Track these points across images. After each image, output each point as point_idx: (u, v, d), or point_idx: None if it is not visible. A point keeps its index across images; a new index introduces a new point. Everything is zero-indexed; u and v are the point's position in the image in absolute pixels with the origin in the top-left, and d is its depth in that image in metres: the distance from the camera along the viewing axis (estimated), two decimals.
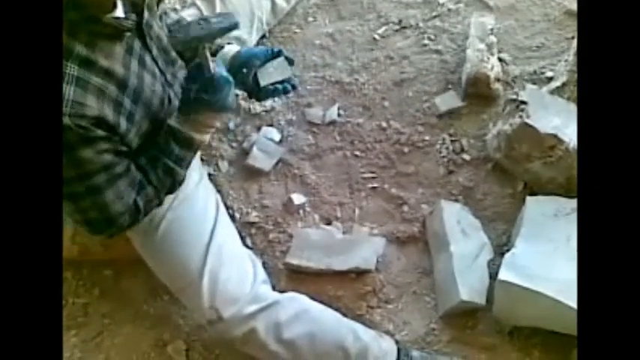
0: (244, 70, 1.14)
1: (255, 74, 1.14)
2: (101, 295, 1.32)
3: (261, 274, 1.16)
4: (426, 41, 1.60)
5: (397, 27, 1.64)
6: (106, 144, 0.90)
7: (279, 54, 1.16)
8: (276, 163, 1.45)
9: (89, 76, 0.84)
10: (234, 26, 1.01)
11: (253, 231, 1.36)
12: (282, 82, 1.15)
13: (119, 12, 0.90)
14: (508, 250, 1.17)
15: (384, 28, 1.64)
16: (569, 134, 1.23)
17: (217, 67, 1.01)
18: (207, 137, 1.08)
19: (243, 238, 1.32)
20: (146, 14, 0.97)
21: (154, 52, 1.02)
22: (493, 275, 1.18)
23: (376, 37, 1.63)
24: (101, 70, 0.87)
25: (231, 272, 1.10)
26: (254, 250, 1.32)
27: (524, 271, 1.10)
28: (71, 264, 1.35)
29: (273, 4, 1.59)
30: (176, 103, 1.07)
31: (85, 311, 1.31)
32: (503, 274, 1.11)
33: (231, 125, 1.50)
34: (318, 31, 1.65)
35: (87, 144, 0.86)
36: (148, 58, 0.99)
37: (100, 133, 0.87)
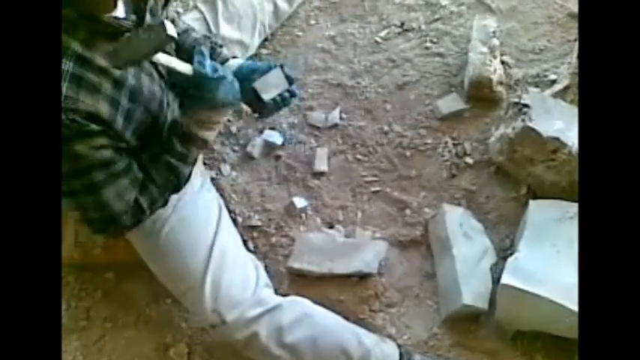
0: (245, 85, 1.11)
1: (255, 89, 1.11)
2: (103, 299, 1.32)
3: (264, 277, 1.16)
4: (428, 44, 1.60)
5: (399, 30, 1.64)
6: (103, 139, 0.89)
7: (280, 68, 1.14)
8: (278, 167, 1.44)
9: (83, 73, 0.84)
10: (169, 39, 0.93)
11: (255, 234, 1.35)
12: (280, 94, 1.12)
13: (119, 12, 0.90)
14: (511, 254, 1.17)
15: (386, 31, 1.64)
16: (572, 138, 1.23)
17: (200, 65, 0.97)
18: (210, 134, 1.05)
19: (245, 242, 1.32)
20: (148, 17, 0.96)
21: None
22: (496, 279, 1.18)
23: (378, 40, 1.63)
24: (96, 68, 0.86)
25: (234, 276, 1.10)
26: (256, 254, 1.32)
27: (527, 276, 1.10)
28: (73, 267, 1.35)
29: (276, 7, 1.59)
30: (175, 106, 1.07)
31: (87, 315, 1.31)
32: (506, 279, 1.11)
33: (234, 129, 1.49)
34: (320, 34, 1.65)
35: (81, 138, 0.85)
36: (146, 62, 0.98)
37: (95, 127, 0.86)
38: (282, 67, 1.13)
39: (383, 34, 1.63)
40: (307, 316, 1.11)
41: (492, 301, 1.18)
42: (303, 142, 1.47)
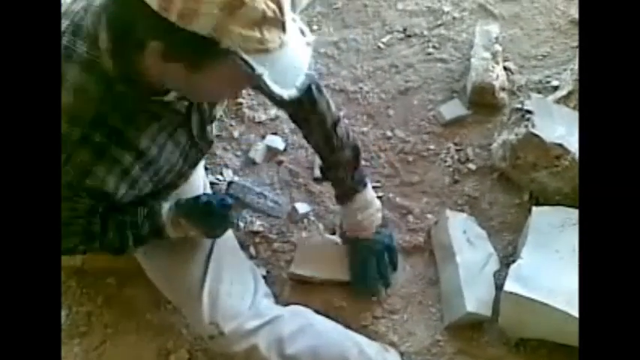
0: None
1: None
2: (104, 304, 1.32)
3: (263, 287, 1.15)
4: (430, 50, 1.60)
5: (402, 35, 1.64)
6: (84, 205, 0.88)
7: None
8: (280, 172, 1.44)
9: (110, 146, 0.82)
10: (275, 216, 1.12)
11: (257, 240, 1.35)
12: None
13: (170, 97, 0.86)
14: (514, 261, 1.16)
15: (388, 37, 1.64)
16: (575, 144, 1.22)
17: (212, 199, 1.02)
18: (177, 236, 1.04)
19: (247, 248, 1.32)
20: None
21: (194, 131, 0.97)
22: (499, 286, 1.17)
23: (381, 45, 1.63)
24: (125, 142, 0.84)
25: (232, 287, 1.09)
26: (258, 260, 1.31)
27: (531, 283, 1.09)
28: (75, 272, 1.35)
29: None
30: (186, 168, 1.03)
31: (88, 320, 1.30)
32: (510, 286, 1.10)
33: (236, 134, 1.49)
34: (323, 40, 1.65)
35: (70, 210, 0.85)
36: (180, 131, 0.94)
37: (87, 202, 0.86)
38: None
39: (385, 39, 1.64)
40: (308, 327, 1.10)
41: (495, 308, 1.17)
42: (305, 147, 1.46)
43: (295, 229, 1.36)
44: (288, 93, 0.73)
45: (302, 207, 1.37)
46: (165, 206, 1.02)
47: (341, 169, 1.16)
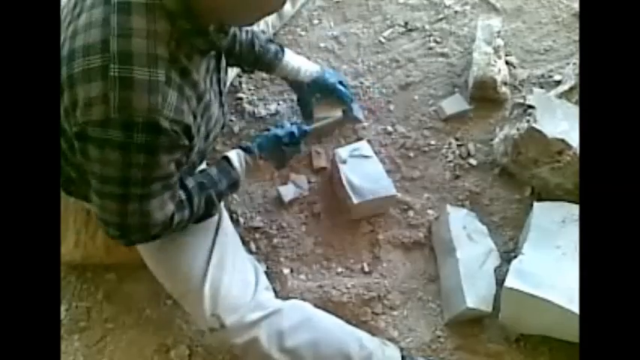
0: (317, 96, 1.38)
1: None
2: (104, 300, 1.32)
3: (264, 281, 1.15)
4: (432, 44, 1.59)
5: (403, 30, 1.63)
6: (181, 154, 0.88)
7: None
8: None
9: (185, 86, 0.84)
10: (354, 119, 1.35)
11: (257, 235, 1.35)
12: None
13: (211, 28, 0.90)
14: (515, 257, 1.16)
15: (389, 31, 1.63)
16: (577, 139, 1.21)
17: (277, 129, 1.20)
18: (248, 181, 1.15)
19: (247, 243, 1.31)
20: (229, 37, 0.97)
21: (222, 75, 1.01)
22: (500, 282, 1.17)
23: (382, 39, 1.62)
24: (191, 82, 0.86)
25: (233, 279, 1.09)
26: (258, 255, 1.31)
27: (532, 278, 1.09)
28: (75, 268, 1.34)
29: None
30: (221, 123, 1.07)
31: (88, 315, 1.30)
32: (510, 281, 1.09)
33: (236, 129, 1.49)
34: (323, 34, 1.64)
35: (170, 150, 0.84)
36: (214, 78, 0.99)
37: (186, 142, 0.86)
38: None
39: (386, 33, 1.62)
40: (308, 320, 1.10)
41: (496, 304, 1.17)
42: (305, 142, 1.46)
43: (295, 224, 1.35)
44: None
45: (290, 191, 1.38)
46: (233, 157, 1.12)
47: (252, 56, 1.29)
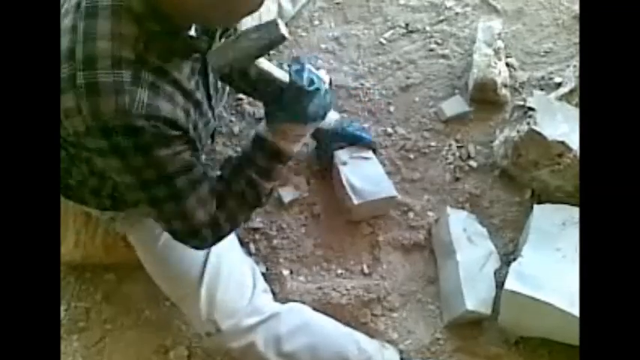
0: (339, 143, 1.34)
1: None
2: (103, 300, 1.32)
3: (261, 284, 1.15)
4: (432, 46, 1.59)
5: (404, 31, 1.63)
6: (182, 145, 0.86)
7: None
8: None
9: (161, 83, 0.81)
10: (281, 39, 0.91)
11: (257, 237, 1.34)
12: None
13: (192, 32, 0.89)
14: (515, 259, 1.16)
15: (390, 32, 1.63)
16: (578, 141, 1.21)
17: (297, 75, 0.95)
18: (295, 146, 1.00)
19: (246, 244, 1.31)
20: (216, 40, 0.93)
21: (210, 79, 0.99)
22: (500, 284, 1.17)
23: (382, 41, 1.62)
24: (171, 80, 0.84)
25: (230, 283, 1.08)
26: (257, 256, 1.31)
27: (531, 281, 1.09)
28: (74, 268, 1.34)
29: (280, 8, 1.58)
30: (213, 126, 1.03)
31: (87, 316, 1.30)
32: (510, 284, 1.09)
33: (236, 129, 1.48)
34: (324, 35, 1.64)
35: (163, 144, 0.82)
36: (201, 82, 0.96)
37: (175, 132, 0.83)
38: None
39: (387, 35, 1.62)
40: (306, 324, 1.10)
41: (495, 307, 1.17)
42: (305, 144, 1.45)
43: (295, 225, 1.35)
44: None
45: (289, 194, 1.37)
46: (260, 129, 0.99)
47: None
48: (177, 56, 0.85)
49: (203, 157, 1.08)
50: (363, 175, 1.30)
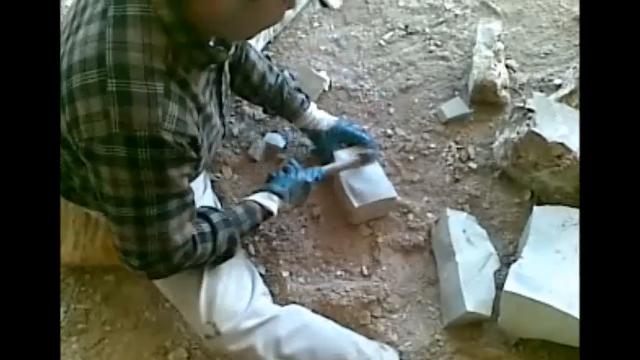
0: (339, 144, 1.35)
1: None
2: (103, 302, 1.31)
3: (260, 286, 1.14)
4: (432, 47, 1.59)
5: (403, 33, 1.63)
6: (190, 168, 0.87)
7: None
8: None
9: (185, 98, 0.82)
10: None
11: (256, 238, 1.34)
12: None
13: (211, 42, 0.89)
14: (515, 261, 1.16)
15: (389, 34, 1.63)
16: (577, 143, 1.21)
17: (301, 173, 1.20)
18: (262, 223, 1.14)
19: (245, 246, 1.31)
20: (232, 50, 0.95)
21: (223, 87, 1.00)
22: (499, 286, 1.17)
23: (382, 42, 1.62)
24: (191, 94, 0.85)
25: (229, 286, 1.08)
26: (257, 258, 1.31)
27: (531, 282, 1.09)
28: (73, 270, 1.34)
29: None
30: (221, 134, 1.05)
31: (86, 317, 1.30)
32: (510, 285, 1.09)
33: (235, 131, 1.48)
34: (324, 37, 1.64)
35: (178, 164, 0.83)
36: (214, 91, 0.97)
37: (193, 155, 0.85)
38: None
39: (387, 37, 1.63)
40: (305, 327, 1.10)
41: (495, 308, 1.17)
42: (305, 145, 1.46)
43: (294, 227, 1.35)
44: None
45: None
46: (267, 202, 1.12)
47: (277, 99, 1.29)
48: (197, 68, 0.86)
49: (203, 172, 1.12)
50: (362, 177, 1.30)
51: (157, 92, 0.77)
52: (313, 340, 1.08)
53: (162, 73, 0.78)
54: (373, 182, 1.30)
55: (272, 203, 1.12)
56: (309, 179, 1.20)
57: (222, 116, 1.04)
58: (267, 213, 1.11)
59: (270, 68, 1.27)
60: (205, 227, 0.98)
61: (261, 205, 1.11)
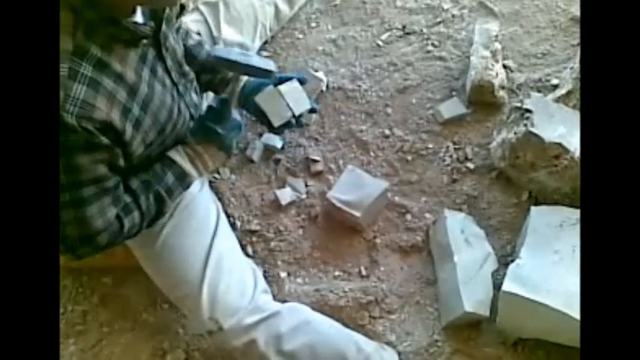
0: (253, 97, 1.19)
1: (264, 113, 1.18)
2: (100, 303, 1.31)
3: (262, 283, 1.15)
4: (429, 47, 1.59)
5: (401, 33, 1.63)
6: (105, 154, 0.85)
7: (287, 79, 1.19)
8: (278, 171, 1.43)
9: (102, 78, 0.79)
10: (269, 73, 1.05)
11: (254, 239, 1.34)
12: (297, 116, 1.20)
13: (138, 17, 0.87)
14: (513, 261, 1.16)
15: (387, 34, 1.63)
16: (575, 143, 1.21)
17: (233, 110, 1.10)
18: (199, 176, 1.09)
19: (244, 247, 1.31)
20: (164, 25, 0.94)
21: (168, 62, 0.98)
22: (497, 286, 1.17)
23: (379, 43, 1.62)
24: (114, 74, 0.82)
25: (231, 282, 1.09)
26: (255, 259, 1.31)
27: (529, 282, 1.09)
28: (70, 271, 1.34)
29: (277, 9, 1.58)
30: (187, 114, 1.05)
31: (84, 319, 1.30)
32: (508, 285, 1.09)
33: None
34: (321, 37, 1.64)
35: (87, 151, 0.80)
36: (160, 68, 0.95)
37: (104, 141, 0.81)
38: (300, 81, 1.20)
39: (384, 37, 1.63)
40: (306, 324, 1.10)
41: (493, 308, 1.17)
42: (302, 145, 1.46)
43: (293, 227, 1.35)
44: None
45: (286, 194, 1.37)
46: (171, 152, 1.05)
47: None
48: (120, 45, 0.83)
49: (180, 150, 1.06)
50: (349, 187, 1.31)
51: (61, 73, 0.74)
52: (314, 337, 1.08)
53: (69, 52, 0.75)
54: (359, 186, 1.31)
55: (175, 150, 1.05)
56: (203, 113, 1.10)
57: (180, 95, 1.01)
58: (172, 160, 1.04)
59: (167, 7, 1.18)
60: (126, 198, 0.95)
61: (177, 150, 1.05)
